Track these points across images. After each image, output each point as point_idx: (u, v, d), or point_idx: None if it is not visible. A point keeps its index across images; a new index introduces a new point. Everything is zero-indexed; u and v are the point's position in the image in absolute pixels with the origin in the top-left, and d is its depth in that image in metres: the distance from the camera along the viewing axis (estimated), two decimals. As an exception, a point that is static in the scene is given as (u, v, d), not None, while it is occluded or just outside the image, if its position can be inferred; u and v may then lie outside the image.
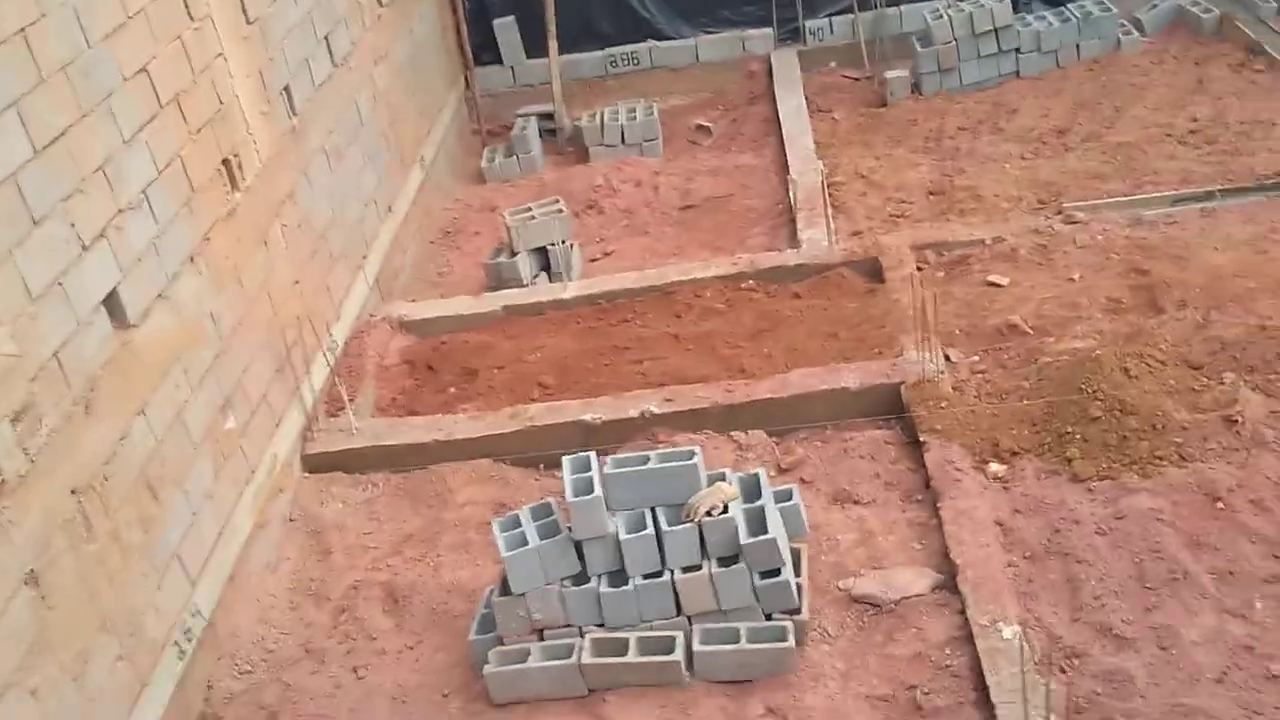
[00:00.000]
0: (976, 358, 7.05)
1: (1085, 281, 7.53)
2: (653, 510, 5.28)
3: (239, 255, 6.63)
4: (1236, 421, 6.05)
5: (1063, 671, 4.92)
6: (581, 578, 5.30)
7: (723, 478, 5.44)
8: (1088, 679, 4.88)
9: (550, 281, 8.71)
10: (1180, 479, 5.83)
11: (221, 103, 6.63)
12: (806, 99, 11.03)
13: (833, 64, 11.84)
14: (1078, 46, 10.64)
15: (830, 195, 9.09)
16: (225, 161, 6.61)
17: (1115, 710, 4.72)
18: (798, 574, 5.38)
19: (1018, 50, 10.57)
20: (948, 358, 7.04)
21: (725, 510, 5.23)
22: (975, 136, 9.74)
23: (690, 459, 5.30)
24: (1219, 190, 8.18)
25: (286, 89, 7.59)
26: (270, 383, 6.80)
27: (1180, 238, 7.80)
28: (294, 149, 7.60)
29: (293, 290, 7.25)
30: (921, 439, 6.36)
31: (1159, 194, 8.29)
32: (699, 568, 5.22)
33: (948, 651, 5.15)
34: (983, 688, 4.87)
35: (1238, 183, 8.29)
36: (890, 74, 10.82)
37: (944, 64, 10.52)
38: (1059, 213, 8.28)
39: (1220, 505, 5.65)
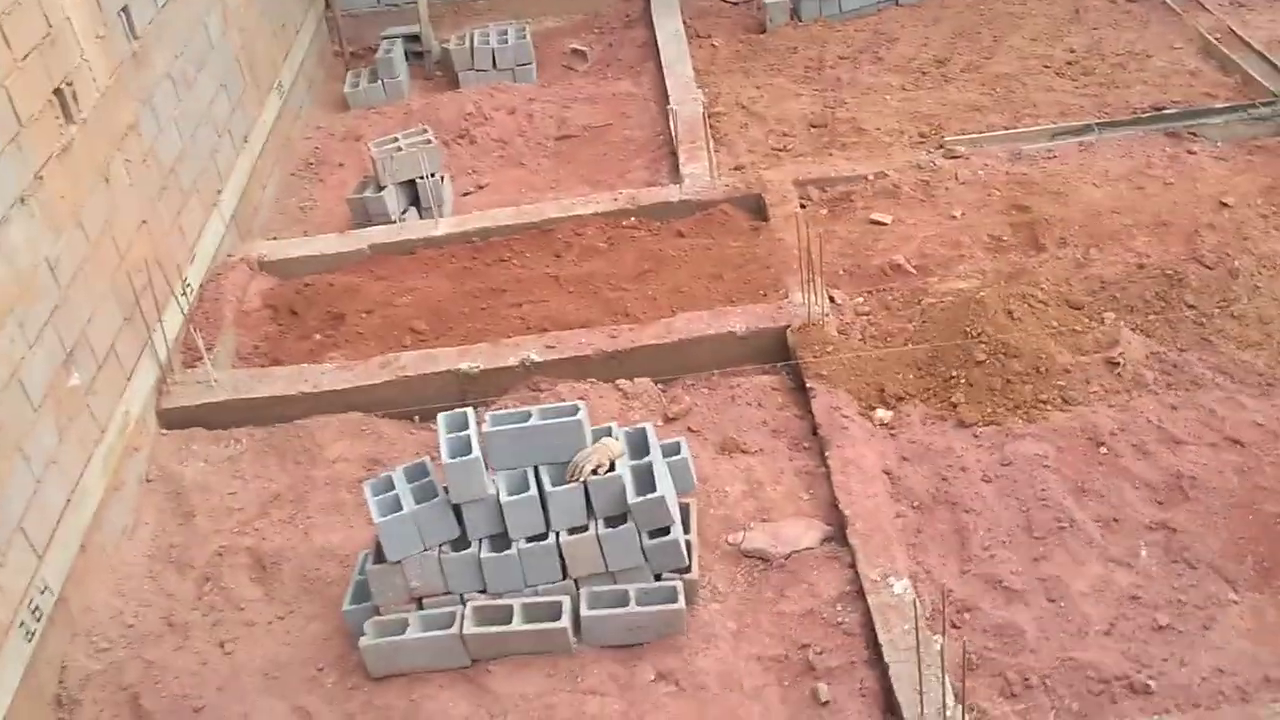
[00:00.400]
0: (861, 299, 6.95)
1: (967, 219, 7.46)
2: (535, 470, 5.04)
3: (77, 195, 6.08)
4: (1118, 364, 6.08)
5: (954, 627, 4.88)
6: (461, 542, 5.04)
7: (608, 433, 5.22)
8: (979, 634, 4.86)
9: (420, 218, 8.28)
10: (1064, 423, 5.83)
11: (51, 25, 6.02)
12: (685, 23, 10.70)
13: (711, -14, 11.50)
14: (959, -26, 10.51)
15: (711, 127, 8.85)
16: (57, 91, 6.03)
17: (1006, 665, 4.71)
18: (687, 531, 5.22)
19: (898, -24, 10.41)
20: (832, 299, 6.91)
21: (611, 468, 5.02)
22: (856, 66, 9.57)
23: (574, 415, 5.06)
24: (1096, 124, 8.19)
25: (125, 9, 6.97)
26: (118, 333, 6.31)
27: (1060, 173, 7.79)
28: (135, 76, 7.00)
29: (140, 231, 6.71)
30: (808, 385, 6.23)
31: (1038, 127, 8.26)
32: (585, 529, 5.01)
33: (839, 608, 5.06)
34: (875, 645, 4.81)
35: (1114, 116, 8.31)
36: (769, -1, 10.55)
37: (825, -12, 10.31)
38: (940, 147, 8.19)
39: (1104, 450, 5.66)
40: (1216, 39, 9.03)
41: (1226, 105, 8.15)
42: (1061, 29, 9.71)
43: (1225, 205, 7.24)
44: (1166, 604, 4.92)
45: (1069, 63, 9.18)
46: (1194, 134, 7.98)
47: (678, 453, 5.37)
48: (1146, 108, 8.34)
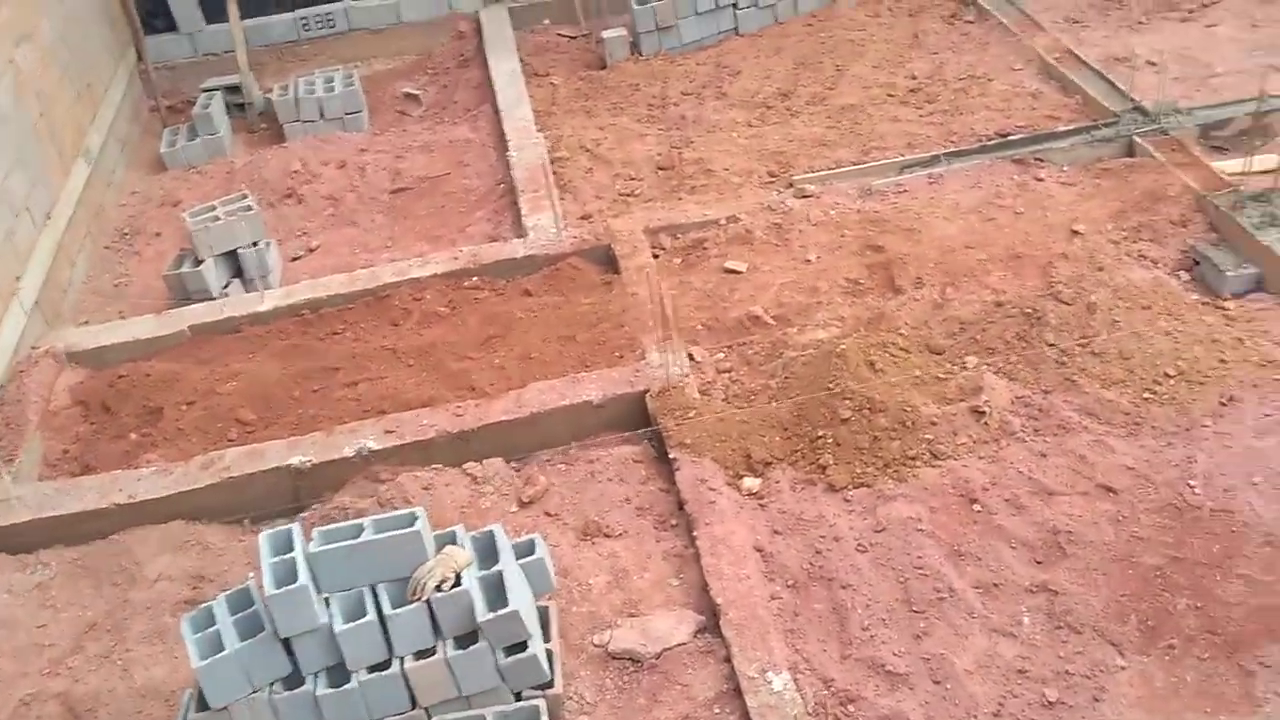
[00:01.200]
0: (721, 355, 6.64)
1: (822, 262, 7.22)
2: (373, 590, 4.55)
3: None
4: (984, 412, 5.87)
5: (838, 722, 4.57)
6: (294, 679, 4.52)
7: (452, 540, 4.76)
8: (865, 729, 4.56)
9: (245, 291, 7.69)
10: (935, 480, 5.59)
11: None
12: (522, 61, 10.30)
13: (546, 22, 11.12)
14: (795, 1, 10.34)
15: (555, 173, 8.46)
16: None
17: (895, 763, 4.41)
18: (547, 639, 4.79)
19: (735, 5, 10.17)
20: (692, 357, 6.58)
21: (458, 581, 4.55)
22: (700, 102, 9.29)
23: (411, 525, 4.58)
24: (944, 154, 8.06)
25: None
26: (-103, 455, 5.61)
27: (911, 208, 7.61)
28: (-93, 161, 6.29)
29: (-80, 334, 6.02)
30: (671, 455, 5.87)
31: (887, 161, 8.08)
32: (432, 652, 4.54)
33: (717, 711, 4.70)
34: (757, 752, 4.46)
35: (961, 145, 8.19)
36: (608, 33, 10.21)
37: (662, 21, 10.00)
38: (790, 186, 7.94)
39: (977, 507, 5.43)
40: (1055, 59, 9.00)
41: (1070, 128, 8.10)
42: (903, 54, 9.60)
43: (1077, 233, 7.15)
44: (1054, 676, 4.69)
45: (912, 90, 9.05)
46: (1040, 160, 7.90)
47: (532, 552, 4.93)
48: (992, 135, 8.24)
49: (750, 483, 5.74)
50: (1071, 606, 4.95)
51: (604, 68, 10.13)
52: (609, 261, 7.46)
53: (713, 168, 8.30)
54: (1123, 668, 4.71)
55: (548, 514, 5.79)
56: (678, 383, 6.22)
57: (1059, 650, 4.79)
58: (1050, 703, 4.57)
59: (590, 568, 5.44)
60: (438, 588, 4.51)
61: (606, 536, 5.64)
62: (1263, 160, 7.31)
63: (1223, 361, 6.06)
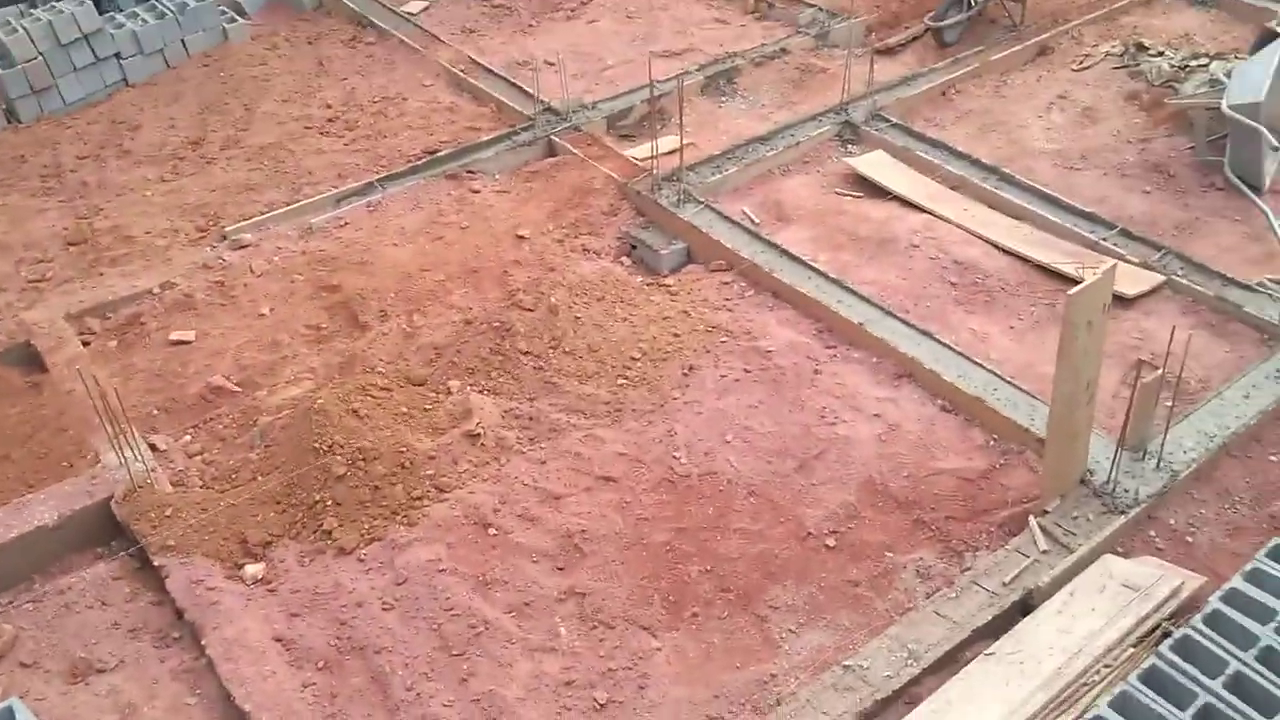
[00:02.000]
0: (188, 437, 6.06)
1: (278, 314, 6.82)
2: None
3: None
4: (478, 434, 5.84)
5: (406, 800, 4.32)
6: None
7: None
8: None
9: None
10: (446, 515, 5.47)
11: None
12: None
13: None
14: (184, 42, 9.68)
15: (-60, 271, 7.27)
16: None
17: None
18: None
19: (119, 56, 9.32)
20: (155, 448, 5.95)
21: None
22: (102, 164, 8.41)
23: None
24: (378, 180, 7.92)
25: None
26: None
27: (358, 240, 7.41)
28: None
29: None
30: (156, 563, 5.26)
31: (321, 196, 7.80)
32: None
33: (272, 831, 4.27)
34: None
35: (392, 168, 8.09)
36: None
37: (37, 83, 8.93)
38: (224, 239, 7.43)
39: (493, 531, 5.40)
40: (462, 71, 9.17)
41: (492, 137, 8.28)
42: (311, 84, 9.31)
43: (523, 238, 7.33)
44: (600, 678, 4.77)
45: (330, 119, 8.82)
46: (472, 172, 8.01)
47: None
48: (420, 154, 8.23)
49: (253, 569, 5.28)
50: (600, 604, 5.06)
51: (-21, 141, 8.88)
52: (32, 360, 6.55)
53: (132, 233, 7.56)
54: (658, 649, 4.89)
55: (23, 665, 4.98)
56: (144, 481, 5.58)
57: (599, 650, 4.88)
58: (601, 705, 4.64)
59: (89, 713, 4.74)
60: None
61: (100, 672, 4.95)
62: (666, 142, 7.92)
63: (676, 335, 6.49)
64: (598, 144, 8.13)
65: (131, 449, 5.66)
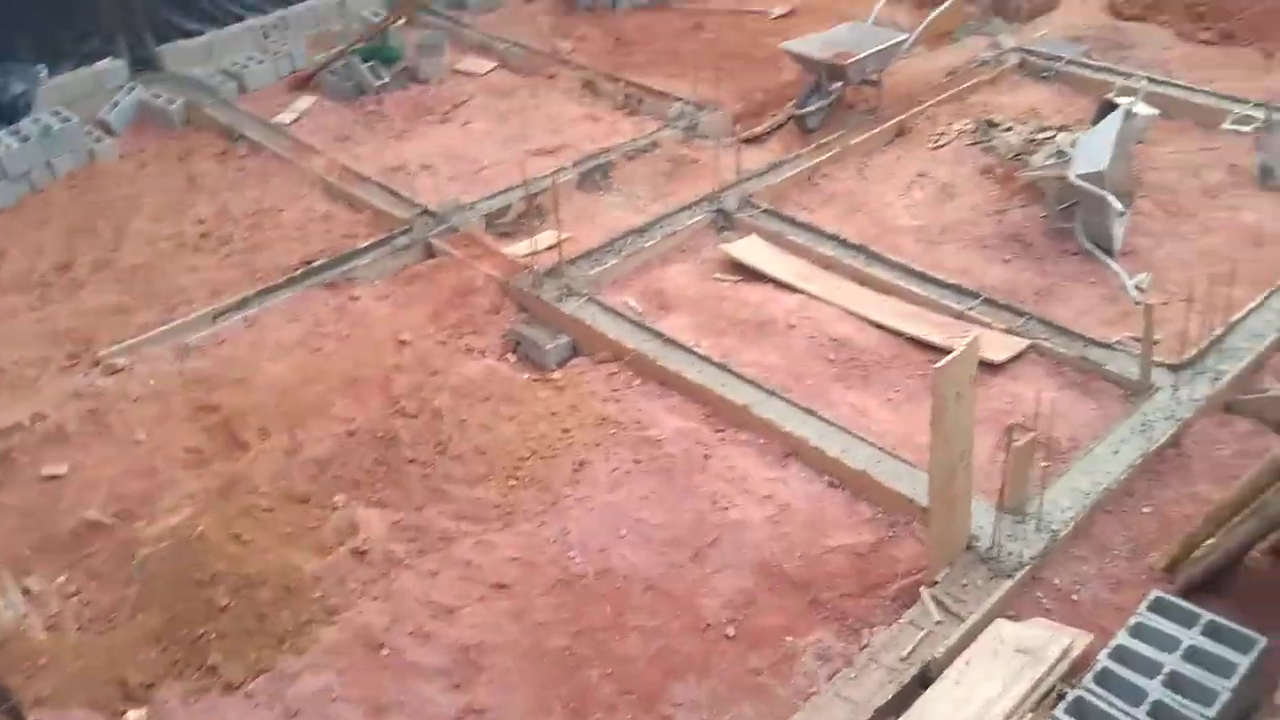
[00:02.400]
0: (63, 578, 5.82)
1: (154, 440, 6.64)
2: None
3: None
4: (365, 550, 5.73)
5: None
6: None
7: None
8: None
9: None
10: (336, 639, 5.33)
11: None
12: None
13: None
14: (49, 164, 9.52)
15: None
16: None
17: None
18: None
19: (-19, 182, 9.14)
20: (28, 591, 5.71)
21: None
22: (-35, 296, 8.19)
23: None
24: (254, 295, 7.80)
25: None
26: None
27: (236, 357, 7.28)
28: None
29: None
30: (31, 719, 5.01)
31: (196, 314, 7.65)
32: None
33: None
34: None
35: (269, 282, 7.98)
36: None
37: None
38: (97, 364, 7.24)
39: (385, 651, 5.27)
40: (337, 179, 9.15)
41: (370, 244, 8.24)
42: (182, 201, 9.19)
43: (404, 343, 7.27)
44: (503, 795, 4.65)
45: (203, 235, 8.70)
46: (351, 279, 7.95)
47: None
48: (297, 265, 8.15)
49: (134, 715, 5.07)
50: (500, 719, 4.95)
51: None
52: (-107, 508, 6.27)
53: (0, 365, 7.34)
54: (562, 758, 4.79)
55: (-113, 844, 4.67)
56: (14, 629, 5.34)
57: (499, 768, 4.77)
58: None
59: None
60: None
61: (-26, 842, 4.67)
62: (545, 238, 7.97)
63: (566, 431, 6.47)
64: (476, 243, 8.15)
65: (2, 597, 5.44)
